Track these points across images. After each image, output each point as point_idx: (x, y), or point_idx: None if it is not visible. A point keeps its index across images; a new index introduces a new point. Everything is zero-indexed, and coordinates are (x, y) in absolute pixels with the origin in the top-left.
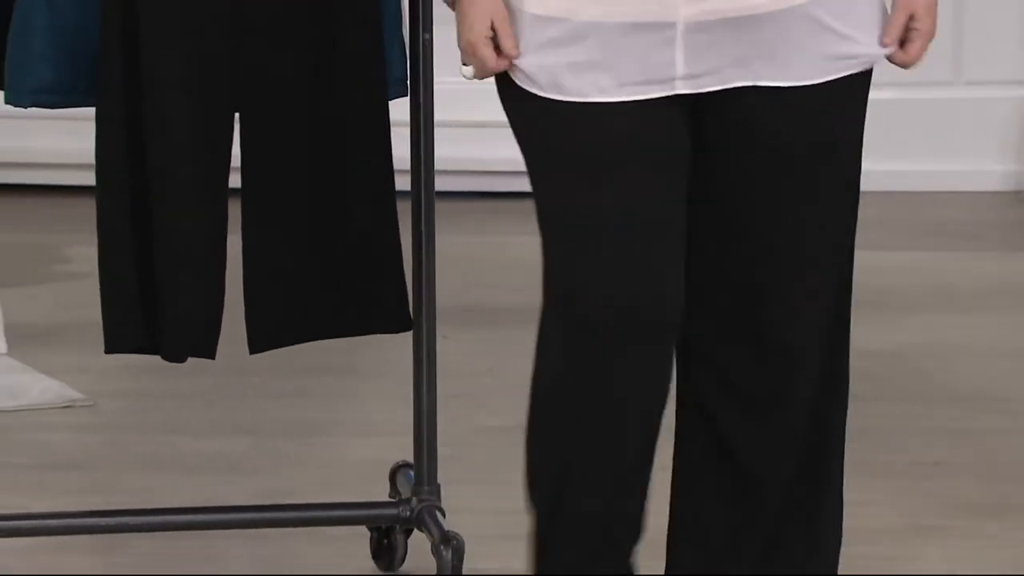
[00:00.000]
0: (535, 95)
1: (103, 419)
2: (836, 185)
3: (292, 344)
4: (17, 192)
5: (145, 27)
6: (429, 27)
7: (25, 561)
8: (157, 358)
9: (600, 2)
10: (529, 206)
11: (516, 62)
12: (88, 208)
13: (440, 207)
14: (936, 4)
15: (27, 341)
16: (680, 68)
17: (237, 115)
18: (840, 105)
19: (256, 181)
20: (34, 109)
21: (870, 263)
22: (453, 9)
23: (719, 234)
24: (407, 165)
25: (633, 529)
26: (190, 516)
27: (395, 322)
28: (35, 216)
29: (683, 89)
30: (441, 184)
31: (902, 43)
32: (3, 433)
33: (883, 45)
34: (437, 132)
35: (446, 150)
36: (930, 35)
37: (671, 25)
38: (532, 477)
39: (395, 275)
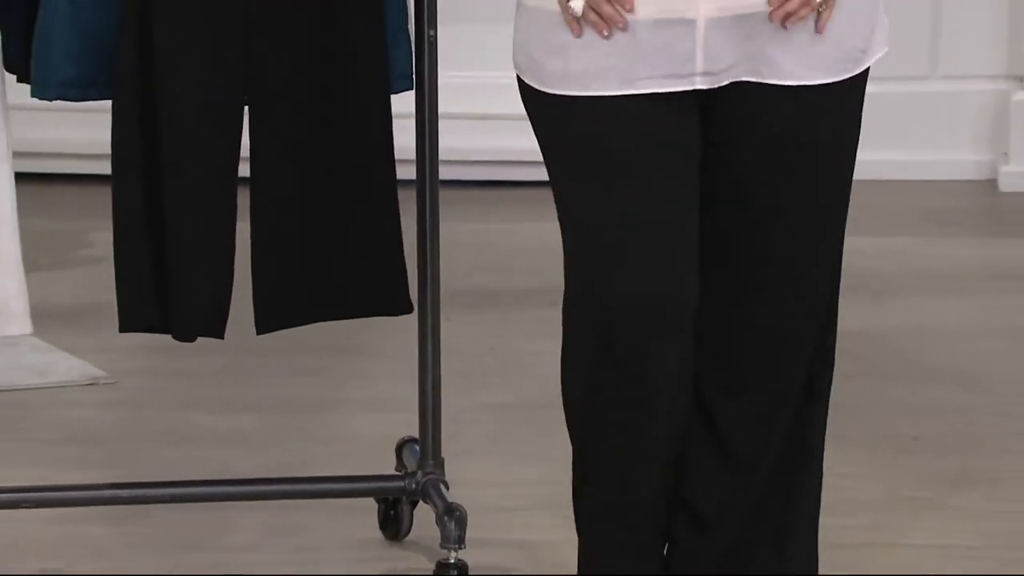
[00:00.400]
0: (556, 94)
1: (124, 396)
2: (833, 179)
3: (297, 325)
4: (42, 180)
5: (159, 22)
6: (434, 24)
7: (50, 530)
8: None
9: None
10: (530, 194)
11: (529, 60)
12: (109, 195)
13: (444, 195)
14: None
15: (52, 322)
16: (700, 64)
17: (246, 108)
18: (840, 104)
19: (263, 170)
20: (58, 102)
21: (853, 247)
22: None
23: (720, 222)
24: (413, 155)
25: (663, 510)
26: (205, 488)
27: (396, 305)
28: (59, 203)
29: (701, 84)
30: (445, 173)
31: None
32: (30, 409)
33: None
34: (441, 124)
35: (450, 141)
36: None
37: (692, 21)
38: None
39: (396, 261)
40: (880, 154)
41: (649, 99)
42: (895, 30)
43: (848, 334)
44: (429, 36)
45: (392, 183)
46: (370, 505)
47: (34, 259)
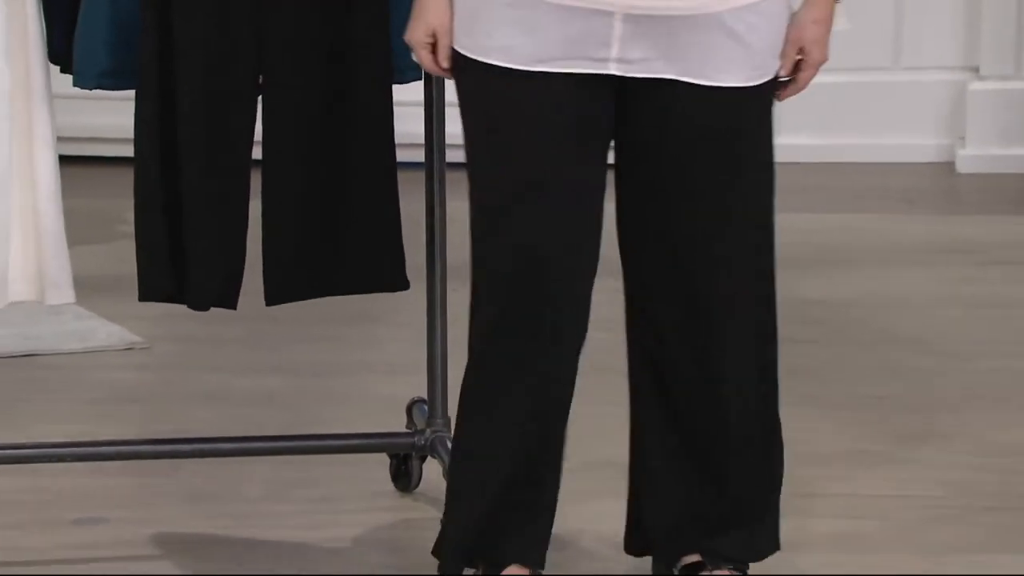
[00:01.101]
0: (482, 62)
1: (157, 359)
2: (749, 163)
3: (302, 300)
4: (83, 163)
5: (177, 16)
6: None
7: (90, 481)
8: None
9: None
10: None
11: (468, 35)
12: None
13: (450, 177)
14: (825, 36)
15: (93, 292)
16: (615, 51)
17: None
18: (750, 103)
19: (274, 155)
20: (97, 91)
21: (821, 224)
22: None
23: (647, 203)
24: (422, 140)
25: (548, 466)
26: (231, 444)
27: (394, 283)
28: (100, 184)
29: (615, 71)
30: (451, 157)
31: (794, 71)
32: (73, 371)
33: (778, 76)
34: (447, 112)
35: (455, 127)
36: (818, 64)
37: (610, 13)
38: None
39: (394, 241)
40: (848, 138)
41: (566, 77)
42: (862, 26)
43: (816, 302)
44: None
45: (392, 169)
46: (382, 460)
47: (77, 234)
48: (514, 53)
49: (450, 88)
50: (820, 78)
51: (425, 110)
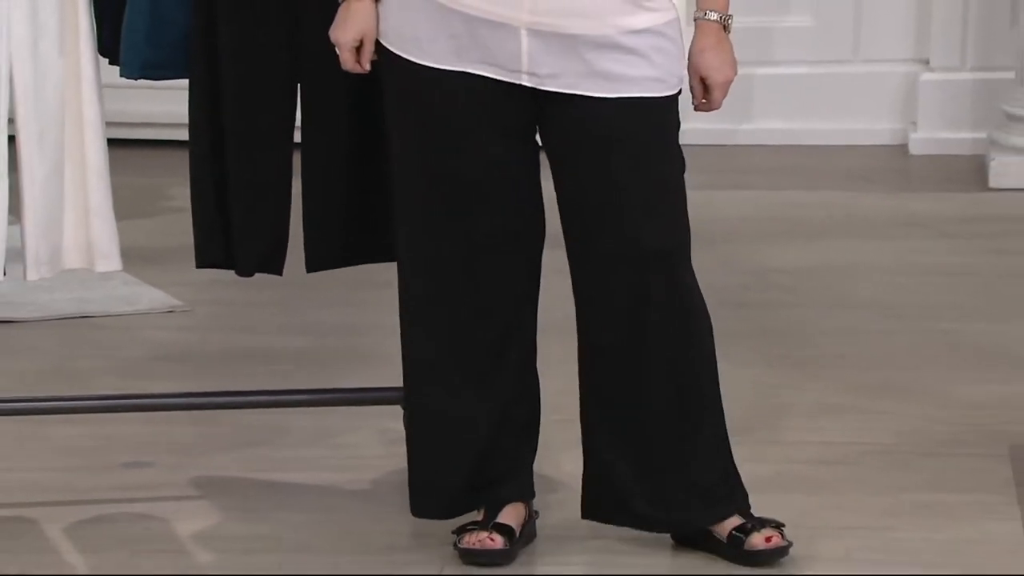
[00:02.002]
0: (404, 59)
1: (197, 321)
2: (655, 160)
3: (336, 267)
4: (129, 145)
5: (221, 18)
6: None
7: (138, 430)
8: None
9: None
10: None
11: (390, 29)
12: (185, 157)
13: None
14: (718, 60)
15: (139, 261)
16: (525, 64)
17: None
18: (656, 109)
19: (311, 138)
20: (143, 81)
21: (789, 200)
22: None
23: (571, 192)
24: None
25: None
26: (265, 397)
27: None
28: (144, 164)
29: (527, 82)
30: None
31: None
32: (122, 331)
33: (695, 107)
34: None
35: None
36: (722, 85)
37: (516, 28)
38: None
39: None
40: (813, 123)
41: (485, 79)
42: (825, 24)
43: (784, 270)
44: None
45: None
46: (398, 411)
47: (123, 209)
48: (437, 53)
49: None
50: (789, 70)
51: None
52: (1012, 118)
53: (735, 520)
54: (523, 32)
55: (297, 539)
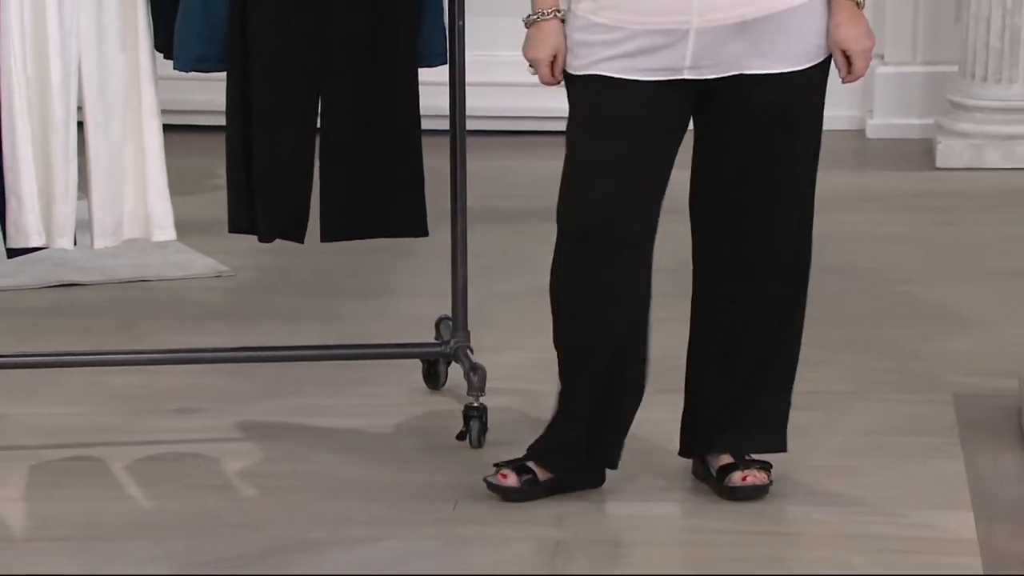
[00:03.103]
0: (585, 76)
1: (240, 285)
2: (805, 132)
3: (348, 239)
4: (184, 130)
5: (251, 20)
6: (462, 16)
7: (186, 380)
8: (281, 244)
9: (637, 13)
10: (531, 140)
11: (573, 57)
12: None
13: (469, 141)
14: (854, 32)
15: (190, 232)
16: (688, 60)
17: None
18: (808, 82)
19: (329, 124)
20: (193, 73)
21: None
22: (527, 27)
23: (719, 175)
24: (447, 112)
25: (632, 391)
26: (299, 351)
27: (415, 230)
28: (196, 147)
29: (690, 76)
30: (470, 125)
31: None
32: (176, 293)
33: (842, 79)
34: (468, 89)
35: (473, 102)
36: (862, 53)
37: (686, 31)
38: (558, 347)
39: (418, 196)
40: None
41: (652, 83)
42: None
43: None
44: (459, 25)
45: (418, 141)
46: (416, 364)
47: (177, 186)
48: (610, 67)
49: (470, 69)
50: None
51: (449, 88)
52: (956, 106)
53: (727, 458)
54: (691, 33)
55: (329, 476)
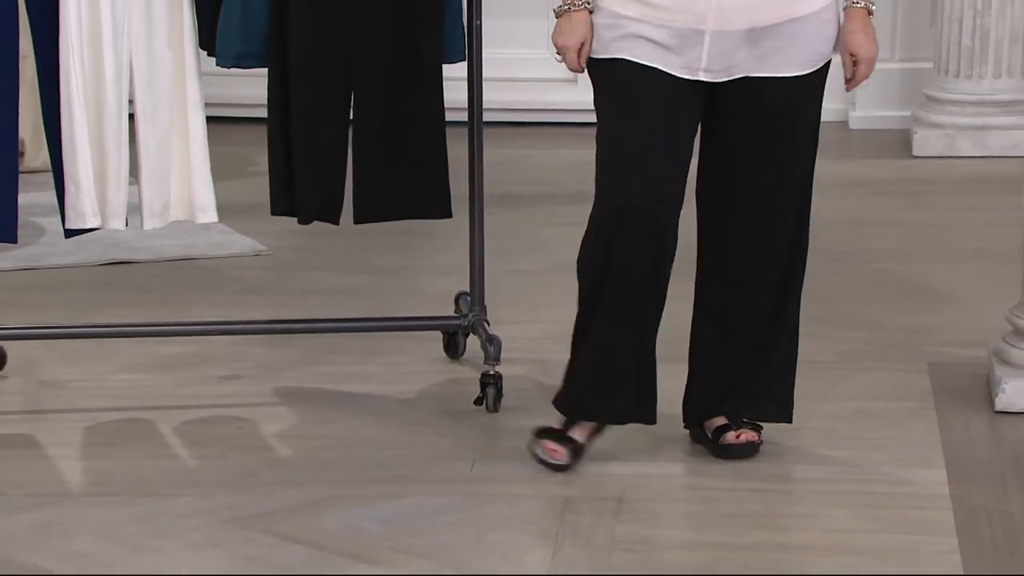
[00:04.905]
0: (612, 59)
1: (277, 263)
2: (804, 131)
3: (379, 221)
4: (225, 122)
5: (293, 20)
6: (480, 15)
7: (228, 350)
8: (315, 225)
9: (659, 9)
10: (545, 131)
11: (599, 42)
12: None
13: (486, 132)
14: (865, 39)
15: (231, 214)
16: (704, 62)
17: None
18: (810, 85)
19: (361, 115)
20: (234, 69)
21: None
22: (558, 17)
23: (724, 170)
24: (465, 105)
25: (647, 358)
26: (330, 323)
27: (441, 212)
28: (236, 138)
29: (704, 77)
30: (487, 117)
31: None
32: (219, 271)
33: (846, 83)
34: (484, 84)
35: (490, 96)
36: (868, 59)
37: (702, 32)
38: (580, 306)
39: (442, 181)
40: None
41: (674, 76)
42: None
43: None
44: (476, 24)
45: (442, 130)
46: (437, 336)
47: (219, 173)
48: (637, 52)
49: (487, 66)
50: None
51: (468, 82)
52: (931, 99)
53: (721, 420)
54: (707, 35)
55: (357, 437)
